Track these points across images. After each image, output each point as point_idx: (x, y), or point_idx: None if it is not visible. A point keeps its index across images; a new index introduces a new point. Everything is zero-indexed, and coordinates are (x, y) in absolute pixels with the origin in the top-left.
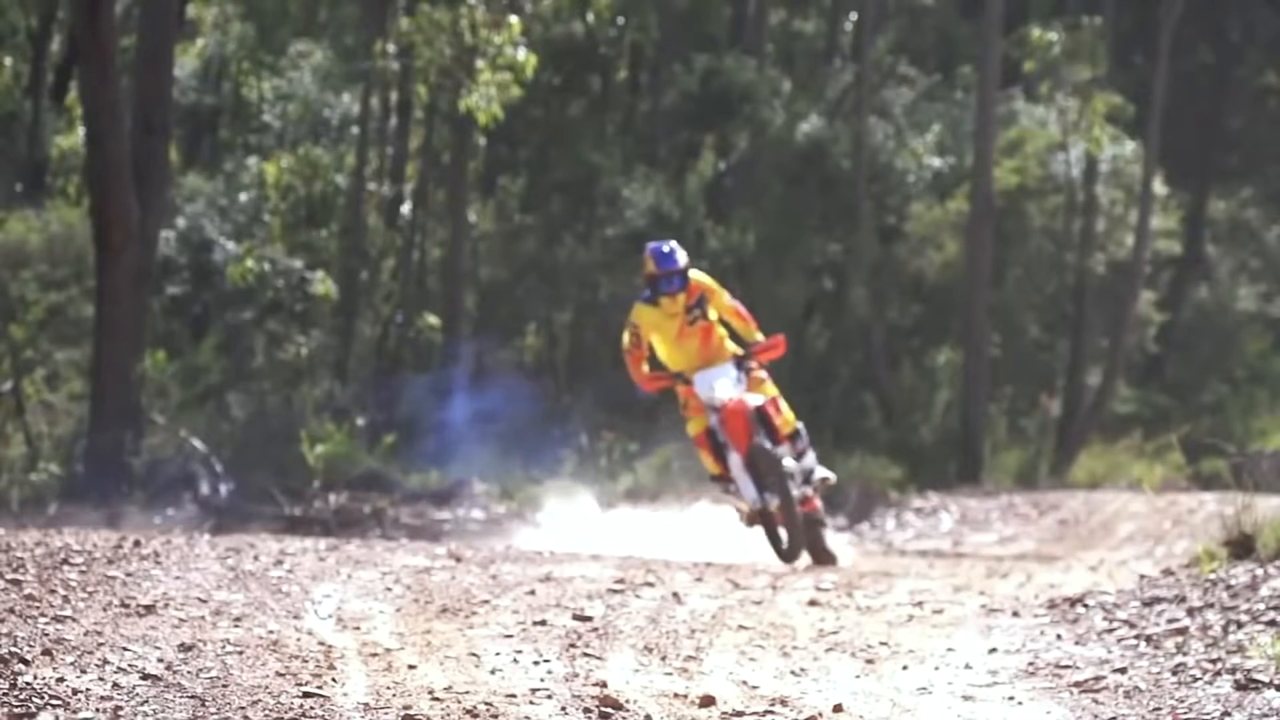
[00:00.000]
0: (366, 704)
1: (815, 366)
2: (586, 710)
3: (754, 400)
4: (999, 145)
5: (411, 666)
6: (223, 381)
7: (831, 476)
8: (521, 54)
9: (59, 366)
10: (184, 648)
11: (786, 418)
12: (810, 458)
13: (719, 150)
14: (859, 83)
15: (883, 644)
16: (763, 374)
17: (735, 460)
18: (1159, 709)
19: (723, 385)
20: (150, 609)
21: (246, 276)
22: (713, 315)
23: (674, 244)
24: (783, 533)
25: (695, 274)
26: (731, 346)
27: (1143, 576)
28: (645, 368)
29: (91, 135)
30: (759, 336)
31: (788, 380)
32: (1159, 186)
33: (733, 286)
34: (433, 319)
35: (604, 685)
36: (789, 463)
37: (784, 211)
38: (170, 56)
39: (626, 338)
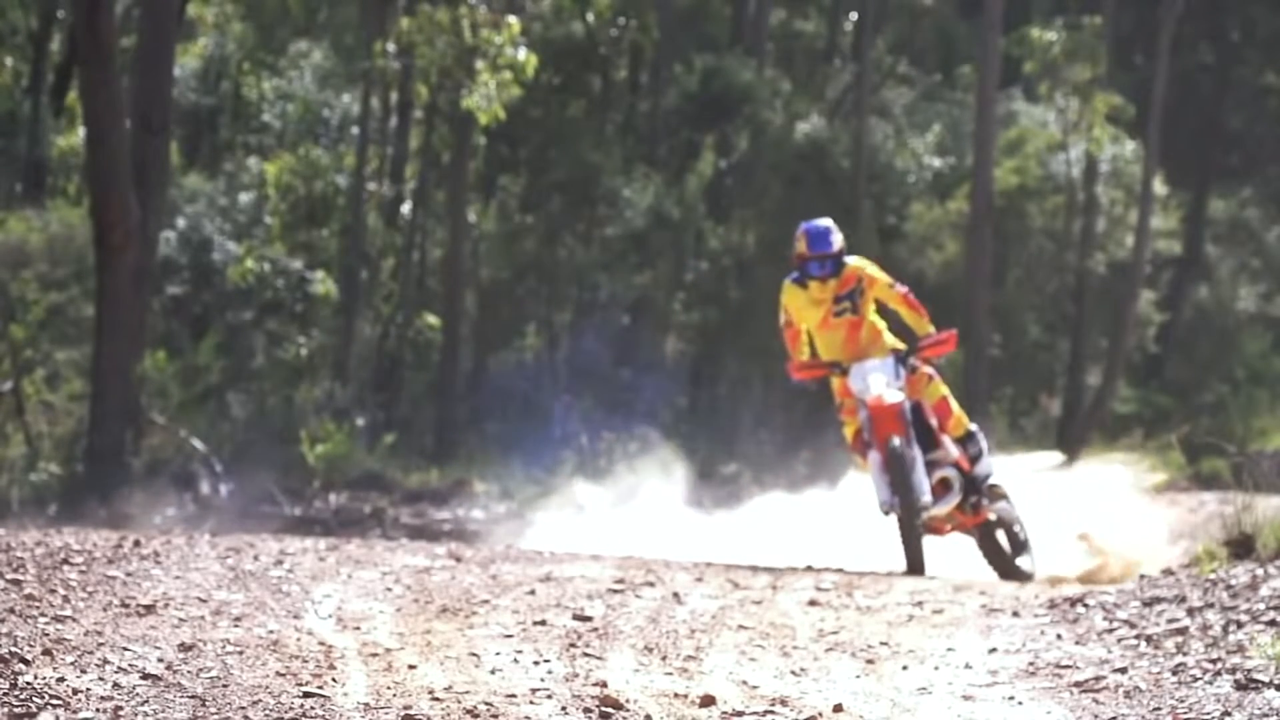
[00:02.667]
0: (366, 704)
1: None
2: (586, 710)
3: (899, 397)
4: (999, 145)
5: (411, 666)
6: (223, 381)
7: (1003, 490)
8: (522, 54)
9: (59, 366)
10: (184, 647)
11: (958, 418)
12: (985, 463)
13: (719, 150)
14: (859, 82)
15: (883, 644)
16: (930, 371)
17: (874, 459)
18: (1159, 709)
19: (876, 380)
20: (150, 609)
21: (246, 276)
22: (869, 310)
23: (830, 224)
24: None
25: (853, 261)
26: (891, 340)
27: (1143, 576)
28: (805, 352)
29: (92, 135)
30: (930, 329)
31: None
32: (1159, 186)
33: (732, 286)
34: (432, 319)
35: (604, 685)
36: (949, 471)
37: (784, 211)
38: (170, 56)
39: (782, 316)
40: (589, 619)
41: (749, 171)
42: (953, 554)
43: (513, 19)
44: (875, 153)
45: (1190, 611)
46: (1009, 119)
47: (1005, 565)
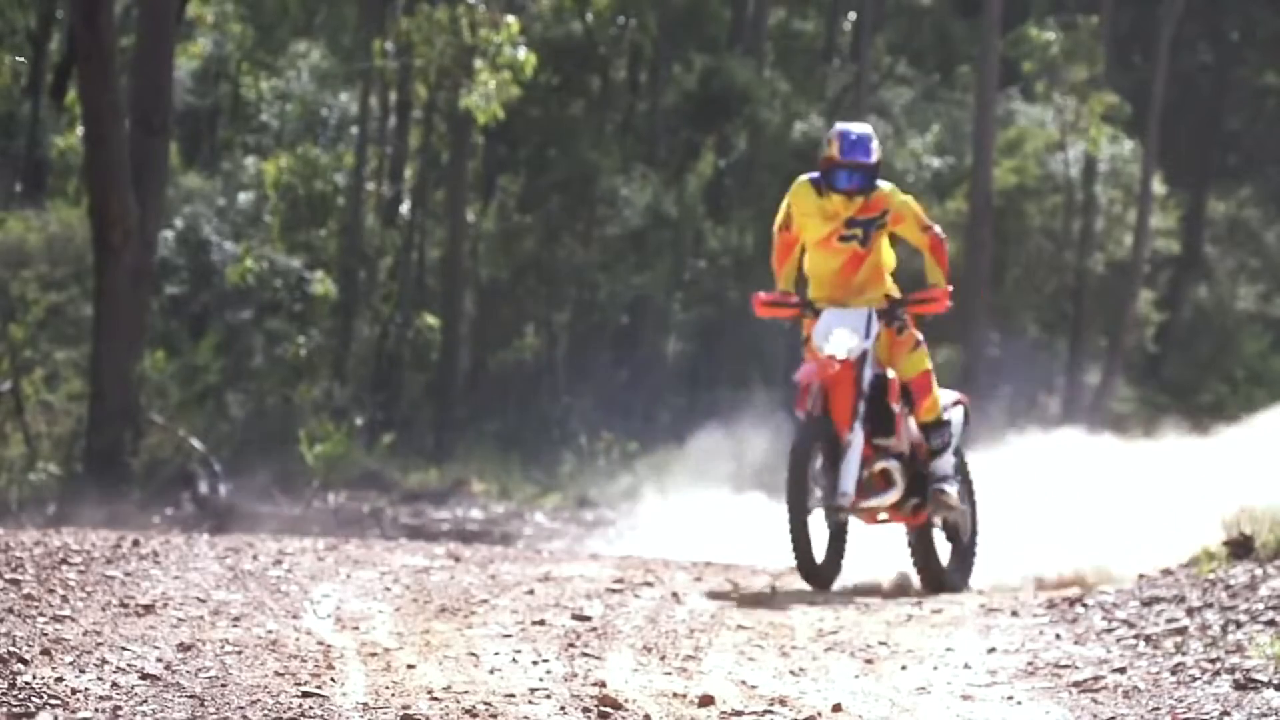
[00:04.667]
0: (365, 704)
1: None
2: (586, 710)
3: (866, 366)
4: (998, 145)
5: (410, 666)
6: (222, 381)
7: (950, 495)
8: (521, 53)
9: (58, 366)
10: (183, 647)
11: (934, 401)
12: (946, 461)
13: (718, 150)
14: (858, 82)
15: (882, 644)
16: (918, 336)
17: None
18: (1158, 709)
19: (841, 336)
20: (149, 609)
21: (245, 276)
22: (881, 245)
23: (870, 131)
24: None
25: (886, 186)
26: (890, 286)
27: (1142, 576)
28: (790, 275)
29: (91, 135)
30: (940, 278)
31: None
32: (1158, 186)
33: (731, 287)
34: (431, 319)
35: (603, 685)
36: (892, 463)
37: None
38: (169, 56)
39: (780, 216)
40: (588, 619)
41: (748, 171)
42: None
43: (512, 18)
44: None
45: (1189, 611)
46: (1008, 119)
47: (933, 573)
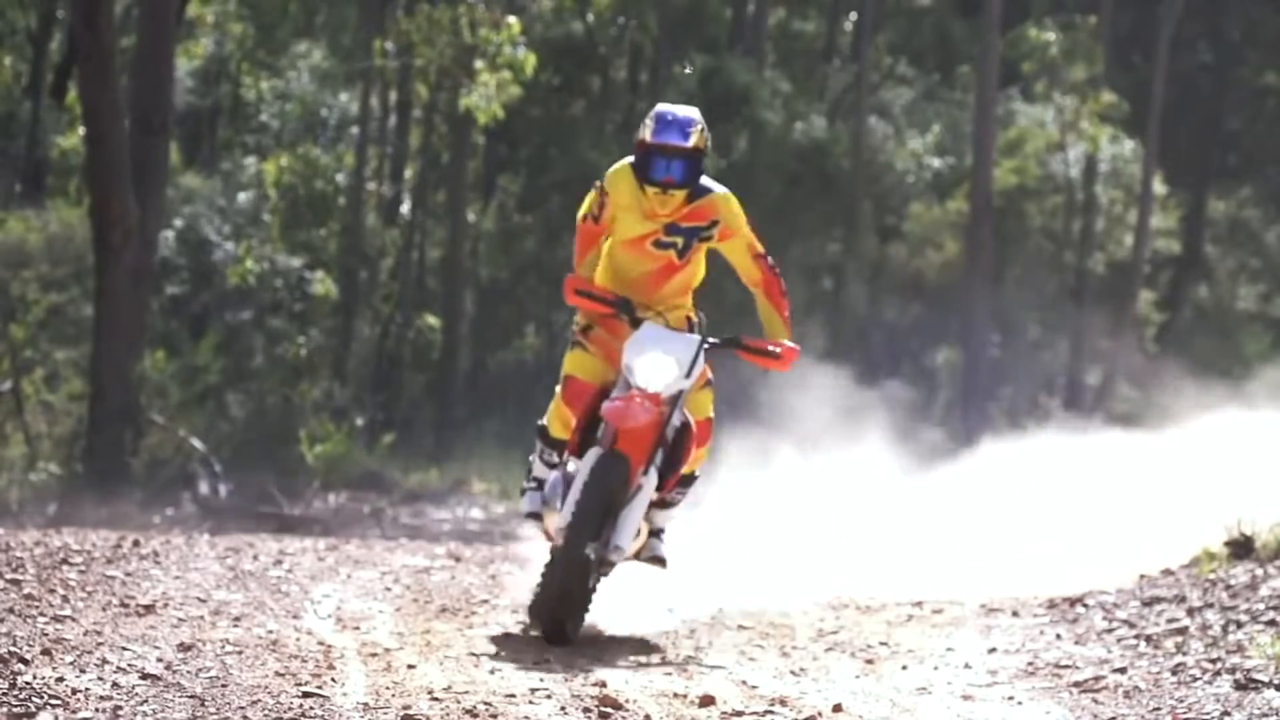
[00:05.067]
0: (366, 704)
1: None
2: (586, 710)
3: (677, 410)
4: (998, 145)
5: (411, 666)
6: (222, 381)
7: (662, 558)
8: (521, 53)
9: (58, 366)
10: (183, 647)
11: (702, 454)
12: (669, 514)
13: (718, 150)
14: (858, 83)
15: (882, 644)
16: (709, 375)
17: (590, 459)
18: (1159, 709)
19: (659, 364)
20: (150, 609)
21: (246, 276)
22: (698, 263)
23: (696, 114)
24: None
25: (720, 191)
26: (688, 308)
27: (1142, 576)
28: (593, 267)
29: (91, 135)
30: (784, 334)
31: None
32: (1158, 186)
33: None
34: (432, 319)
35: (603, 685)
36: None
37: (783, 211)
38: (170, 56)
39: (587, 204)
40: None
41: (748, 172)
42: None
43: (512, 18)
44: (874, 153)
45: (1190, 611)
46: (1008, 119)
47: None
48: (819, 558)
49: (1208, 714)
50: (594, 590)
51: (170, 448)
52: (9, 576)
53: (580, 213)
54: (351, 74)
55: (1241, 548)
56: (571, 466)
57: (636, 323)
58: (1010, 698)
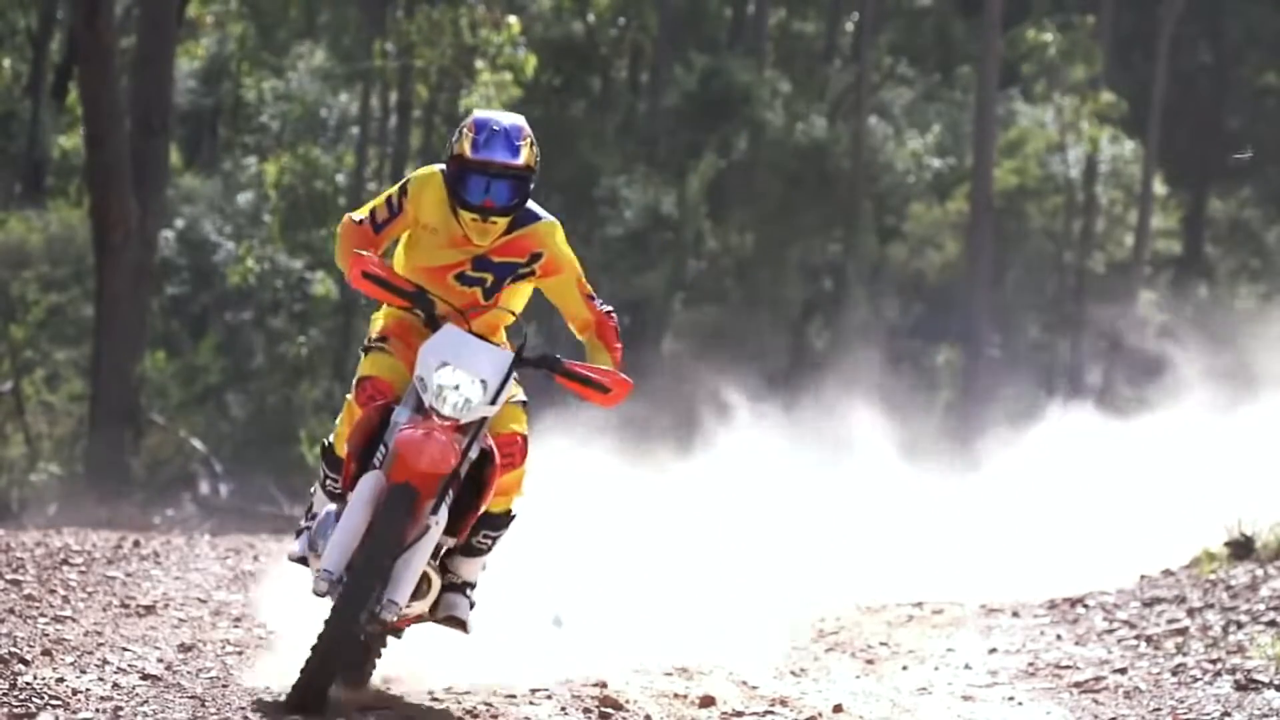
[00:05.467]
0: (367, 705)
1: (814, 367)
2: (586, 710)
3: (477, 439)
4: (999, 145)
5: (412, 667)
6: (222, 381)
7: (466, 621)
8: (521, 54)
9: (59, 367)
10: (184, 648)
11: (519, 478)
12: (477, 565)
13: (719, 151)
14: (858, 83)
15: (882, 644)
16: (522, 397)
17: (362, 492)
18: (1159, 709)
19: (465, 388)
20: (150, 609)
21: (246, 276)
22: (515, 305)
23: (521, 122)
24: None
25: (546, 220)
26: (504, 343)
27: (1143, 576)
28: (373, 257)
29: (91, 135)
30: (612, 365)
31: (786, 381)
32: (1158, 186)
33: (732, 287)
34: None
35: (604, 685)
36: (430, 565)
37: (783, 212)
38: (170, 57)
39: (373, 206)
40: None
41: (749, 172)
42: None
43: (512, 19)
44: (875, 153)
45: (1190, 612)
46: (1008, 119)
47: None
48: (818, 559)
49: (1208, 714)
50: (377, 655)
51: (170, 448)
52: (9, 577)
53: (359, 213)
54: (352, 74)
55: (1242, 548)
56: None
57: (435, 323)
58: (1011, 698)
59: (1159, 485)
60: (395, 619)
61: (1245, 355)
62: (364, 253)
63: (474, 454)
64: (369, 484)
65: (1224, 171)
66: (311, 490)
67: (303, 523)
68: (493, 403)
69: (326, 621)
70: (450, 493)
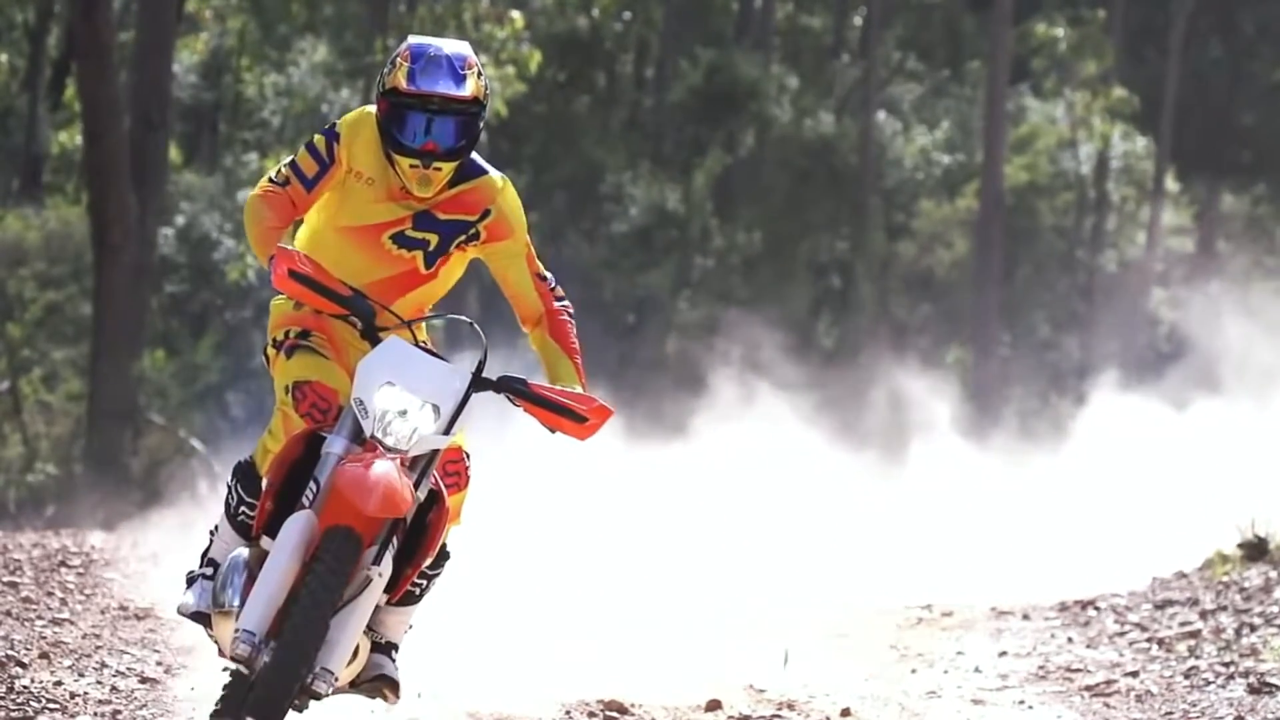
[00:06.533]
0: (372, 708)
1: (821, 365)
2: (592, 714)
3: (427, 475)
4: (1009, 142)
5: (413, 667)
6: (222, 381)
7: (398, 682)
8: (525, 49)
9: (56, 366)
10: (183, 651)
11: (458, 505)
12: (406, 617)
13: (725, 146)
14: (867, 78)
15: (891, 647)
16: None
17: (287, 542)
18: (1171, 713)
19: (415, 415)
20: (149, 612)
21: (246, 274)
22: (453, 275)
23: (468, 50)
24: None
25: (498, 178)
26: (424, 335)
27: (1155, 578)
28: (290, 235)
29: (90, 131)
30: (575, 381)
31: (792, 380)
32: (1171, 183)
33: (738, 285)
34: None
35: (610, 689)
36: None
37: (791, 208)
38: (170, 51)
39: (293, 163)
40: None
41: (755, 168)
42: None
43: (516, 14)
44: (883, 149)
45: (1203, 614)
46: (1019, 115)
47: None
48: (823, 559)
49: (1221, 718)
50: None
51: (170, 448)
52: (6, 579)
53: (273, 175)
54: (354, 70)
55: (1255, 549)
56: (267, 546)
57: (373, 334)
58: (1021, 702)
59: (1170, 485)
60: (329, 692)
61: (1260, 354)
62: (288, 246)
63: (421, 495)
64: (298, 526)
65: (1236, 167)
66: (212, 529)
67: (197, 569)
68: (446, 432)
69: (253, 694)
70: (394, 540)
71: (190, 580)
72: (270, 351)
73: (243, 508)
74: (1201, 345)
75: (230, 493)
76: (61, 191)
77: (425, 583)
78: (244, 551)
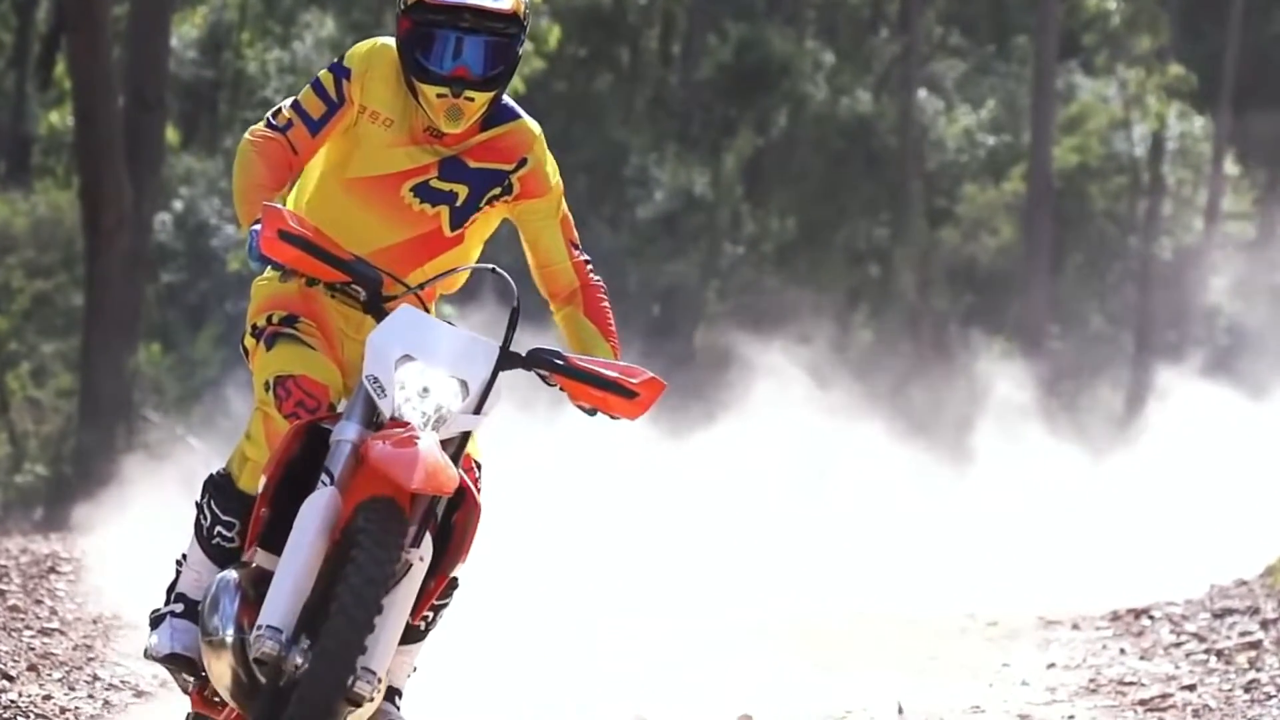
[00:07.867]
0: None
1: (860, 359)
2: None
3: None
4: (1058, 122)
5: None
6: (221, 375)
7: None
8: (544, 23)
9: (46, 360)
10: None
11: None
12: (410, 658)
13: (756, 127)
14: (907, 54)
15: (932, 658)
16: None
17: (317, 515)
18: None
19: (438, 391)
20: (143, 622)
21: (247, 262)
22: (480, 237)
23: None
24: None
25: (534, 126)
26: (448, 308)
27: (1213, 586)
28: (292, 196)
29: (81, 111)
30: (602, 343)
31: (829, 375)
32: (1230, 166)
33: (770, 275)
34: (449, 306)
35: (638, 702)
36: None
37: (826, 193)
38: (166, 26)
39: (301, 99)
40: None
41: (789, 150)
42: None
43: None
44: (925, 130)
45: (1264, 624)
46: (1068, 93)
47: None
48: (863, 564)
49: None
50: None
51: (166, 446)
52: None
53: (277, 113)
54: None
55: None
56: (263, 562)
57: (379, 306)
58: (1070, 717)
59: (1238, 486)
60: (373, 696)
61: None
62: (275, 204)
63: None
64: (323, 502)
65: None
66: (179, 559)
67: (163, 606)
68: (477, 411)
69: (293, 708)
70: (428, 529)
71: (157, 620)
72: (249, 341)
73: (218, 529)
74: (1264, 338)
75: (201, 512)
76: (51, 175)
77: (433, 615)
78: (233, 573)
